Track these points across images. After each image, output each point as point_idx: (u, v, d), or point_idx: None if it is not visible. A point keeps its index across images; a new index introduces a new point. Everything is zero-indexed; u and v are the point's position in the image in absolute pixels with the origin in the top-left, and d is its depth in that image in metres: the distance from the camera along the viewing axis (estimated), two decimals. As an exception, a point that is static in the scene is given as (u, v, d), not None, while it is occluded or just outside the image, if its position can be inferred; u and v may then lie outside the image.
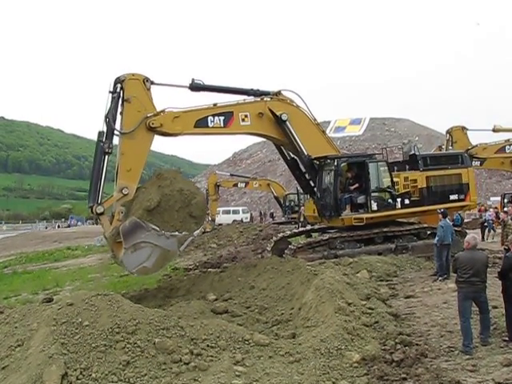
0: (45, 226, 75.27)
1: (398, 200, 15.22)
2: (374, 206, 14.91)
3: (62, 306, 6.75)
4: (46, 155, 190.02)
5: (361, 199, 15.07)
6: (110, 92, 11.75)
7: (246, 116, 13.53)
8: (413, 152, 16.78)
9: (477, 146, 20.75)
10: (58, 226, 74.94)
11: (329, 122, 56.71)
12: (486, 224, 22.12)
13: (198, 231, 11.63)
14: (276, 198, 37.02)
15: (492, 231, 21.72)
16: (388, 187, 15.18)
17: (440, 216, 12.88)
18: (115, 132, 11.64)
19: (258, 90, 14.11)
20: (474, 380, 6.12)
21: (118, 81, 11.76)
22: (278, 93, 14.38)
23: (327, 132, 16.87)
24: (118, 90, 11.71)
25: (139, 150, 11.85)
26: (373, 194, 14.97)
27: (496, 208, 25.90)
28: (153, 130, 11.99)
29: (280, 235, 17.32)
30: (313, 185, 15.63)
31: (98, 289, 12.84)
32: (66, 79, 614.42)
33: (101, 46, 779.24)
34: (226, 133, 13.65)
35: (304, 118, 14.67)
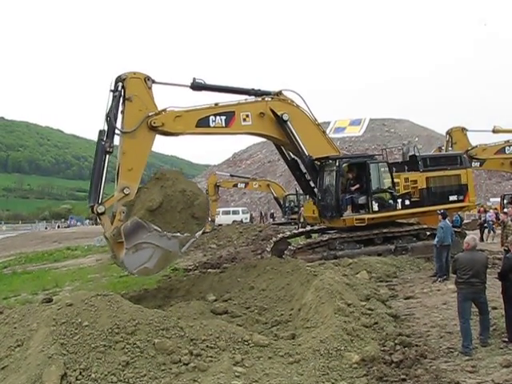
0: (45, 227, 75.23)
1: (399, 201, 15.26)
2: (375, 207, 14.93)
3: (61, 307, 6.75)
4: (45, 155, 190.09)
5: (362, 200, 15.09)
6: (111, 91, 11.65)
7: (247, 116, 13.50)
8: (412, 153, 16.83)
9: (476, 146, 20.78)
10: (58, 227, 74.94)
11: (328, 123, 56.77)
12: (485, 225, 22.14)
13: (199, 233, 11.54)
14: (276, 199, 37.03)
15: (492, 232, 21.73)
16: (389, 188, 15.23)
17: (440, 217, 12.89)
18: (116, 131, 11.54)
19: (259, 90, 14.10)
20: (473, 381, 6.12)
21: (120, 79, 11.65)
22: (279, 93, 14.37)
23: (327, 132, 16.87)
24: (120, 88, 11.59)
25: (140, 150, 11.77)
26: (374, 195, 15.00)
27: (496, 209, 25.90)
28: (154, 130, 11.90)
29: (280, 236, 17.32)
30: (313, 185, 15.63)
31: (97, 289, 12.80)
32: (66, 79, 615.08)
33: (101, 45, 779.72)
34: (227, 133, 13.60)
35: (305, 118, 14.67)
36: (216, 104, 13.15)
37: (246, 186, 37.39)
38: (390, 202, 15.16)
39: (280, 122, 13.95)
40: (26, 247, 37.85)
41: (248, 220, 42.89)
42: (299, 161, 15.50)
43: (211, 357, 6.40)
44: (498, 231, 19.05)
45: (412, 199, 15.57)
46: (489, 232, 21.83)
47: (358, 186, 15.26)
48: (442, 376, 6.15)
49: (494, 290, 9.03)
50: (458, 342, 7.30)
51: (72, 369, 5.86)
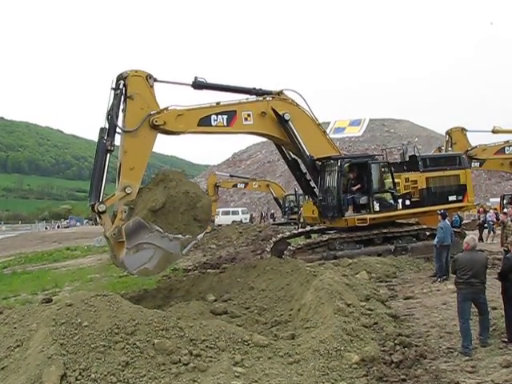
0: (44, 227, 75.19)
1: (399, 201, 15.28)
2: (377, 207, 14.96)
3: (61, 307, 6.74)
4: (45, 156, 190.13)
5: (363, 200, 15.11)
6: (112, 88, 11.53)
7: (248, 115, 13.47)
8: (412, 153, 16.87)
9: (476, 147, 20.82)
10: (58, 227, 74.91)
11: (328, 123, 56.79)
12: (486, 225, 22.15)
13: (201, 235, 11.45)
14: (275, 199, 37.02)
15: (492, 232, 21.73)
16: (390, 188, 15.25)
17: (439, 217, 12.90)
18: (117, 129, 11.41)
19: (261, 90, 14.08)
20: (473, 381, 6.12)
21: (121, 77, 11.53)
22: (280, 92, 14.37)
23: (327, 133, 16.87)
24: (121, 86, 11.48)
25: (142, 148, 11.65)
26: (375, 195, 15.02)
27: (495, 209, 25.90)
28: (156, 128, 11.80)
29: (279, 236, 17.32)
30: (313, 185, 15.63)
31: (97, 289, 12.80)
32: (66, 80, 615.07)
33: (100, 45, 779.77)
34: (229, 132, 13.54)
35: (306, 118, 14.68)
36: (218, 103, 13.10)
37: (245, 187, 37.39)
38: (391, 202, 15.19)
39: (281, 121, 13.95)
40: (25, 247, 37.87)
41: (248, 220, 42.85)
42: (299, 161, 15.50)
43: (211, 357, 6.40)
44: (498, 231, 19.05)
45: (412, 199, 15.59)
46: (489, 232, 21.84)
47: (359, 186, 15.27)
48: (442, 376, 6.16)
49: (493, 290, 9.04)
50: (458, 342, 7.30)
51: (72, 369, 5.85)
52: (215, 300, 10.40)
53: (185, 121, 12.46)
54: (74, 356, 6.01)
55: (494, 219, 21.88)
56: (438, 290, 10.90)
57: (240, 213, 44.69)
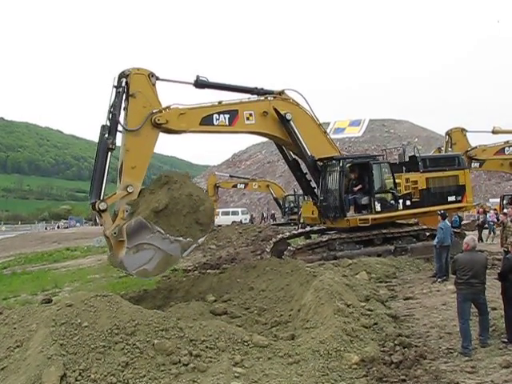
0: (44, 227, 75.12)
1: (400, 201, 15.30)
2: (378, 207, 14.97)
3: (61, 307, 6.74)
4: (45, 156, 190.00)
5: (365, 200, 15.12)
6: (114, 86, 11.44)
7: (250, 115, 13.45)
8: (412, 153, 16.90)
9: (476, 147, 20.82)
10: (58, 227, 74.84)
11: (328, 123, 56.79)
12: (486, 225, 22.15)
13: (202, 239, 11.38)
14: (275, 200, 37.05)
15: (492, 233, 21.74)
16: (391, 188, 15.27)
17: (439, 218, 12.90)
18: (119, 128, 11.34)
19: (262, 89, 14.08)
20: (472, 382, 6.12)
21: (123, 75, 11.45)
22: (282, 92, 14.37)
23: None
24: (123, 84, 11.40)
25: (144, 147, 11.58)
26: (376, 195, 15.04)
27: (495, 210, 25.92)
28: (158, 127, 11.76)
29: (279, 236, 17.32)
30: (313, 186, 15.63)
31: (97, 290, 12.79)
32: (66, 80, 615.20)
33: (100, 45, 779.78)
34: (230, 131, 13.51)
35: (307, 118, 14.69)
36: (219, 102, 13.09)
37: (245, 187, 37.44)
38: (392, 202, 15.21)
39: (283, 121, 13.94)
40: (25, 248, 37.84)
41: (247, 221, 42.84)
42: (300, 161, 15.49)
43: (211, 357, 6.40)
44: (498, 232, 19.06)
45: (413, 200, 15.62)
46: (489, 233, 21.84)
47: (360, 186, 15.28)
48: (442, 377, 6.16)
49: (493, 290, 9.04)
50: (458, 343, 7.30)
51: (71, 369, 5.86)
52: (215, 300, 10.40)
53: (187, 120, 12.42)
54: (73, 356, 6.01)
55: (495, 219, 21.89)
56: (438, 291, 10.89)
57: (240, 213, 44.68)
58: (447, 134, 21.20)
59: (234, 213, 44.70)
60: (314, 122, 14.87)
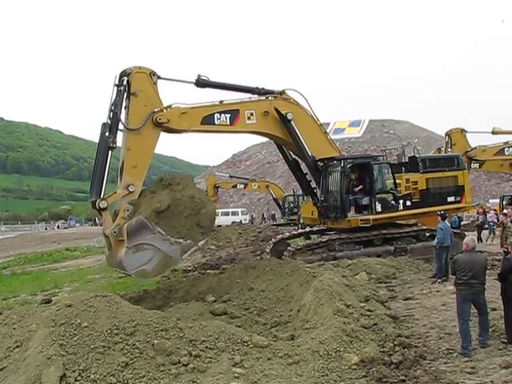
0: (44, 227, 75.09)
1: (401, 202, 15.32)
2: (379, 208, 14.99)
3: (60, 307, 6.73)
4: (44, 156, 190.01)
5: (365, 200, 15.13)
6: (115, 85, 11.40)
7: (251, 114, 13.44)
8: (412, 154, 16.92)
9: (476, 148, 20.83)
10: (58, 227, 74.82)
11: (328, 124, 56.75)
12: (486, 226, 22.15)
13: (202, 242, 11.36)
14: (275, 200, 37.08)
15: (492, 234, 21.74)
16: (391, 189, 15.29)
17: (439, 218, 12.91)
18: (120, 126, 11.29)
19: (263, 89, 14.09)
20: (472, 382, 6.12)
21: (124, 74, 11.42)
22: (283, 92, 14.38)
23: (327, 133, 16.88)
24: (124, 83, 11.35)
25: (145, 146, 11.54)
26: (377, 196, 15.06)
27: (495, 210, 25.92)
28: (159, 126, 11.72)
29: (279, 237, 17.32)
30: (314, 186, 15.63)
31: (96, 290, 12.80)
32: (66, 80, 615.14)
33: (101, 45, 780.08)
34: (231, 131, 13.49)
35: (308, 118, 14.70)
36: (221, 102, 13.08)
37: (245, 187, 37.48)
38: (393, 202, 15.23)
39: (284, 121, 13.94)
40: (25, 248, 37.81)
41: (247, 221, 42.86)
42: (300, 161, 15.48)
43: (210, 358, 6.40)
44: (498, 232, 19.07)
45: (413, 200, 15.64)
46: (489, 233, 21.85)
47: (361, 186, 15.29)
48: (442, 377, 6.16)
49: (493, 291, 9.05)
50: (458, 343, 7.30)
51: (71, 370, 5.85)
52: (215, 301, 10.40)
53: (188, 119, 12.40)
54: (73, 357, 6.01)
55: (495, 220, 21.89)
56: (438, 291, 10.90)
57: (240, 213, 44.69)
58: (447, 134, 21.21)
59: (234, 213, 44.70)
60: (314, 122, 14.88)
